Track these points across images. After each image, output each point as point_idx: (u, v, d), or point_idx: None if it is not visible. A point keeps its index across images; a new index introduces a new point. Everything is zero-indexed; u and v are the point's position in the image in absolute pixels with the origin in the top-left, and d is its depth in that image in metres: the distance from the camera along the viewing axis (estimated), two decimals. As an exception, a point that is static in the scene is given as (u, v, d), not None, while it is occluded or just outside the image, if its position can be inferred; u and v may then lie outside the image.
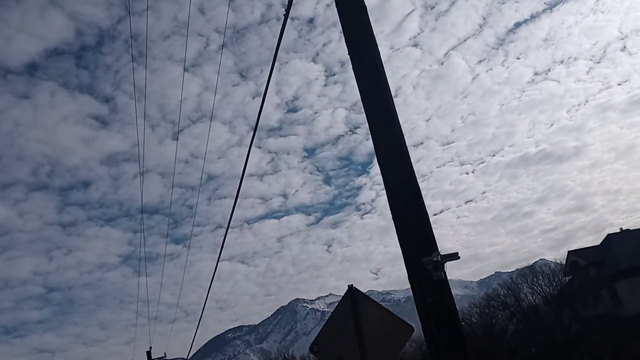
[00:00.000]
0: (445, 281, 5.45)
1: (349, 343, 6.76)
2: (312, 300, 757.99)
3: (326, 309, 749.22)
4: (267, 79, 8.52)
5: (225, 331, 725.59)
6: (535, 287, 44.65)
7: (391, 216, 5.84)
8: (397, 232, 5.74)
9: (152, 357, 43.94)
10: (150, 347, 44.08)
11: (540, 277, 44.61)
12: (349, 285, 6.99)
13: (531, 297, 44.96)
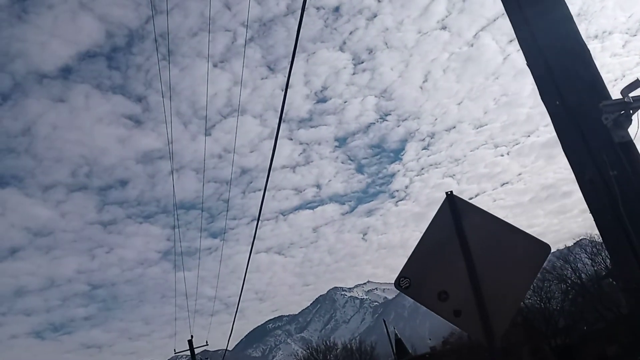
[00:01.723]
0: (632, 144, 3.32)
1: (454, 272, 4.66)
2: (350, 288, 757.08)
3: (365, 297, 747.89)
4: (288, 70, 8.09)
5: (266, 322, 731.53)
6: (594, 259, 41.78)
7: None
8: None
9: (194, 347, 42.73)
10: (192, 336, 42.88)
11: (600, 247, 41.70)
12: (447, 193, 4.87)
13: (591, 268, 42.14)
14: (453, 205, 4.81)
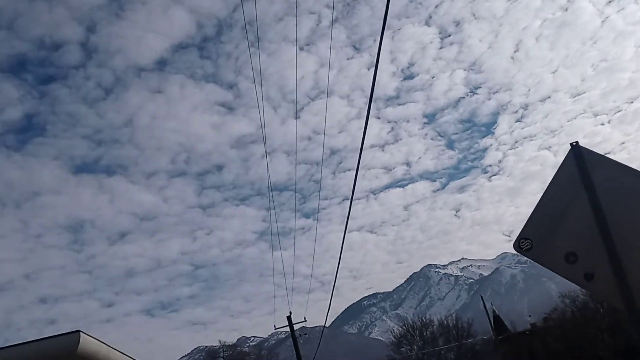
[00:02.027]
0: None
1: (583, 232, 4.17)
2: (444, 266, 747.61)
3: (459, 273, 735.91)
4: (378, 48, 8.02)
5: (361, 299, 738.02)
6: None
7: None
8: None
9: (293, 323, 43.62)
10: (290, 313, 43.77)
11: None
12: (572, 144, 4.36)
13: None
14: (579, 158, 4.29)
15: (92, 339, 14.73)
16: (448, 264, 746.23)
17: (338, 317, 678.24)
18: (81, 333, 14.11)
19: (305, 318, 43.50)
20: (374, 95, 9.23)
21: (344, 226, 15.98)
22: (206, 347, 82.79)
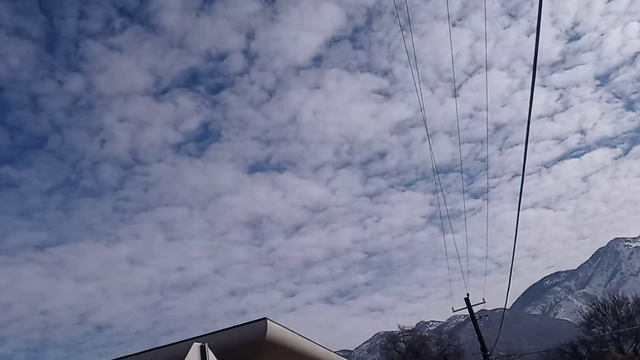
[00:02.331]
0: None
1: None
2: (634, 238, 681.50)
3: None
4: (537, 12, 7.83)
5: (542, 279, 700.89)
6: None
7: None
8: None
9: (471, 304, 43.12)
10: (468, 294, 43.33)
11: None
12: None
13: None
14: None
15: (277, 325, 16.12)
16: (639, 237, 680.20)
17: (519, 298, 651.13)
18: (267, 320, 15.52)
19: (484, 299, 42.79)
20: (537, 62, 8.99)
21: (517, 204, 15.57)
22: (386, 332, 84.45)
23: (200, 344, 6.53)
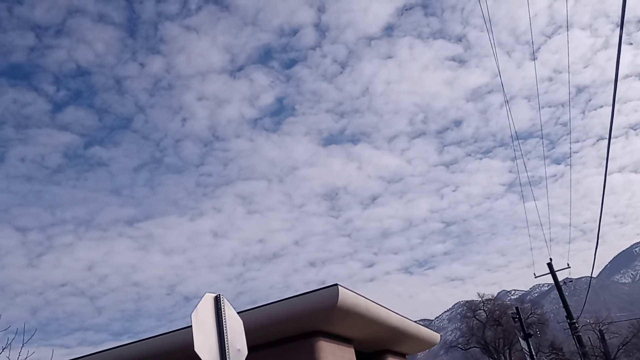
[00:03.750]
0: None
1: None
2: None
3: None
4: None
5: (631, 246, 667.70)
6: None
7: None
8: None
9: (555, 270, 41.41)
10: (551, 259, 41.61)
11: None
12: None
13: None
14: None
15: (350, 292, 15.92)
16: None
17: (606, 266, 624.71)
18: (339, 286, 15.33)
19: (568, 264, 40.94)
20: (624, 19, 8.53)
21: (604, 168, 14.73)
22: (466, 301, 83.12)
23: (215, 294, 6.30)
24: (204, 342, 5.79)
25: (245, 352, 6.45)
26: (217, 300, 6.35)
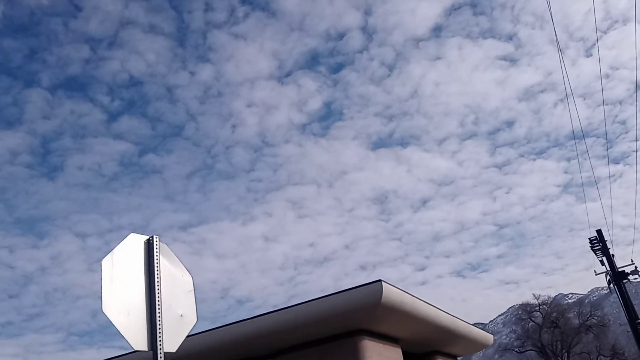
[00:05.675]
0: None
1: None
2: None
3: None
4: None
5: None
6: None
7: None
8: None
9: (615, 266, 39.38)
10: (613, 255, 39.63)
11: None
12: None
13: None
14: None
15: (394, 288, 15.08)
16: None
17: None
18: (383, 282, 14.53)
19: (632, 260, 38.85)
20: None
21: None
22: (522, 303, 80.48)
23: (147, 237, 4.58)
24: (119, 299, 4.13)
25: (194, 319, 4.83)
26: (149, 245, 4.52)
